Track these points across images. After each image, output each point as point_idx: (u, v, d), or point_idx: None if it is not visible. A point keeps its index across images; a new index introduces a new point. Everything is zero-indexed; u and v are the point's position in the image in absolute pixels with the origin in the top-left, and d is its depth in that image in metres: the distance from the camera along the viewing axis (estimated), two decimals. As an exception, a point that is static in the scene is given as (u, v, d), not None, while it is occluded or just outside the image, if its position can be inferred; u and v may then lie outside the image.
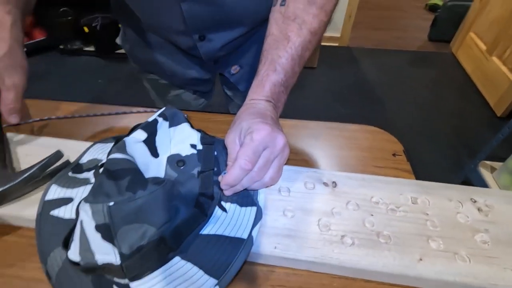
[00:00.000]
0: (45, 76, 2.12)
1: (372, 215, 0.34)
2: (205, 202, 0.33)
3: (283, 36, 0.41)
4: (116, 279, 0.28)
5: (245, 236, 0.32)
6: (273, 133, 0.35)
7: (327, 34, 2.30)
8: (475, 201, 0.36)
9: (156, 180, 0.33)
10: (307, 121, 0.52)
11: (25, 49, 0.43)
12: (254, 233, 0.32)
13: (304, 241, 0.32)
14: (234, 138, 0.36)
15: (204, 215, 0.32)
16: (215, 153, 0.39)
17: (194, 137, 0.40)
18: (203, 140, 0.40)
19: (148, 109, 0.53)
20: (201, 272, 0.29)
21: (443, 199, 0.36)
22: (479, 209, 0.35)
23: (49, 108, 0.54)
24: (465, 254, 0.31)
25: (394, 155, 0.47)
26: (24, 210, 0.35)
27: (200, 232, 0.31)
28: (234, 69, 0.63)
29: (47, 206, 0.34)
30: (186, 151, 0.39)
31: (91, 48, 2.34)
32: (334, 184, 0.38)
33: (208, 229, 0.32)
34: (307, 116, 0.58)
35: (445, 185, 0.38)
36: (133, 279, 0.28)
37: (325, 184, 0.38)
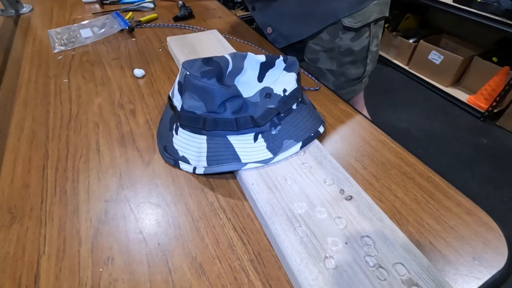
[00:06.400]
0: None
1: (346, 243, 0.31)
2: (247, 123, 0.40)
3: None
4: (177, 121, 0.43)
5: (244, 161, 0.38)
6: None
7: None
8: None
9: (228, 85, 0.42)
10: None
11: None
12: (250, 166, 0.38)
13: (274, 200, 0.35)
14: None
15: (236, 128, 0.40)
16: (295, 106, 0.44)
17: (291, 85, 0.45)
18: (293, 92, 0.45)
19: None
20: (204, 154, 0.39)
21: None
22: None
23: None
24: None
25: (474, 258, 0.34)
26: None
27: (227, 135, 0.40)
28: (269, 30, 0.79)
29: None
30: (278, 90, 0.46)
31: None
32: (349, 197, 0.35)
33: (233, 138, 0.40)
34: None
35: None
36: (181, 125, 0.42)
37: (341, 191, 0.35)
